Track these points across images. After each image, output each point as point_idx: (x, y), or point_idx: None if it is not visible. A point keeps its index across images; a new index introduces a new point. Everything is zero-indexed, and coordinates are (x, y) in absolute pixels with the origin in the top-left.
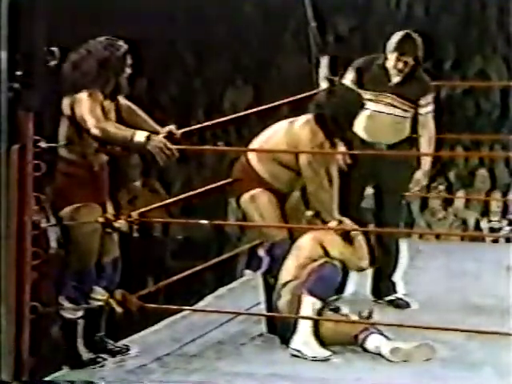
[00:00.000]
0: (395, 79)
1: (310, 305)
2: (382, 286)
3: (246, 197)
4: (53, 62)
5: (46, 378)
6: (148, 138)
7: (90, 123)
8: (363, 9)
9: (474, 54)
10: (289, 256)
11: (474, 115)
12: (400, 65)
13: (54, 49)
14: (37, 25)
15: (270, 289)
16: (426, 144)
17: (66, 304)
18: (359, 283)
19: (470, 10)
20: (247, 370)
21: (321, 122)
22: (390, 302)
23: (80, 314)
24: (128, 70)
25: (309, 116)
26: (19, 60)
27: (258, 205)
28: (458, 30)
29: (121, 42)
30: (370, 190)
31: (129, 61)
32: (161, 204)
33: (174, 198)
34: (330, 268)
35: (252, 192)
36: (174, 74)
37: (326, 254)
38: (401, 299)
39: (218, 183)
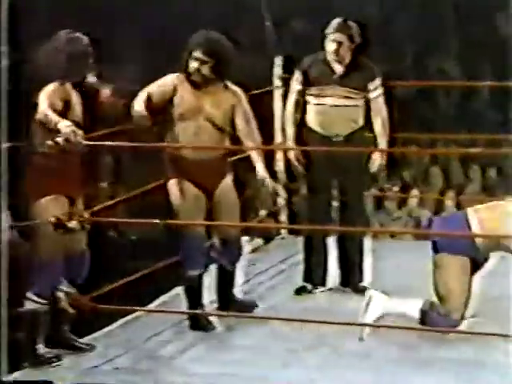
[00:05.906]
0: (338, 70)
1: None
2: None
3: (171, 181)
4: (4, 62)
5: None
6: (63, 125)
7: (39, 110)
8: (321, 9)
9: (433, 52)
10: None
11: (431, 114)
12: (335, 45)
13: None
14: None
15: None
16: (380, 127)
17: (31, 296)
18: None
19: (427, 8)
20: (200, 370)
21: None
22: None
23: (44, 307)
24: (91, 55)
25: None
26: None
27: (182, 190)
28: (416, 27)
29: (78, 34)
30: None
31: (90, 48)
32: (112, 202)
33: (124, 196)
34: None
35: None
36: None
37: None
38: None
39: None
